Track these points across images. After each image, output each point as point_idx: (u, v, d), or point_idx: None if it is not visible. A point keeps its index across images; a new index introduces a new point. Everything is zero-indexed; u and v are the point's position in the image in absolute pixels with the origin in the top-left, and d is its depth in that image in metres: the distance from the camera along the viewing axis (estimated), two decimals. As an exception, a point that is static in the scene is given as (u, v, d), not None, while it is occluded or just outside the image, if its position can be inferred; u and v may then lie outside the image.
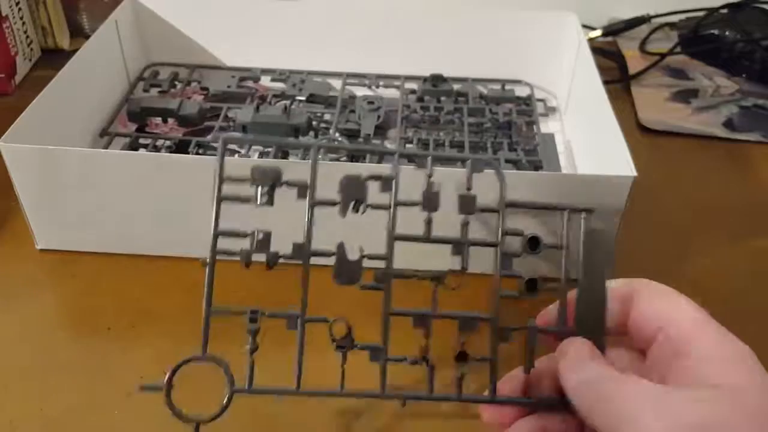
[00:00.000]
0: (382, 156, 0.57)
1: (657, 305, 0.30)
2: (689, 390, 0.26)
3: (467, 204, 0.35)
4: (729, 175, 0.59)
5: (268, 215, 0.34)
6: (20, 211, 0.47)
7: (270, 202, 0.34)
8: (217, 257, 0.33)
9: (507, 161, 0.55)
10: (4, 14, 0.66)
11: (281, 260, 0.33)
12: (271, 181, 0.33)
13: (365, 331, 0.33)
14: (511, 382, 0.33)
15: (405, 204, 0.34)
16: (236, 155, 0.56)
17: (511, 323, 0.33)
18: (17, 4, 0.69)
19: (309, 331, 0.33)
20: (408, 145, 0.58)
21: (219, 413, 0.32)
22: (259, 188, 0.34)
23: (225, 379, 0.32)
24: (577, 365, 0.30)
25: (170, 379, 0.31)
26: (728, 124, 0.65)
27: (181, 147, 0.57)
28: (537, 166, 0.56)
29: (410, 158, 0.49)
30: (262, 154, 0.56)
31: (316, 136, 0.58)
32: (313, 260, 0.33)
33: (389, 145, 0.59)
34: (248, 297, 0.35)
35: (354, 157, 0.56)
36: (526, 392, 0.33)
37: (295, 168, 0.34)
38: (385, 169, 0.35)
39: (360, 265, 0.33)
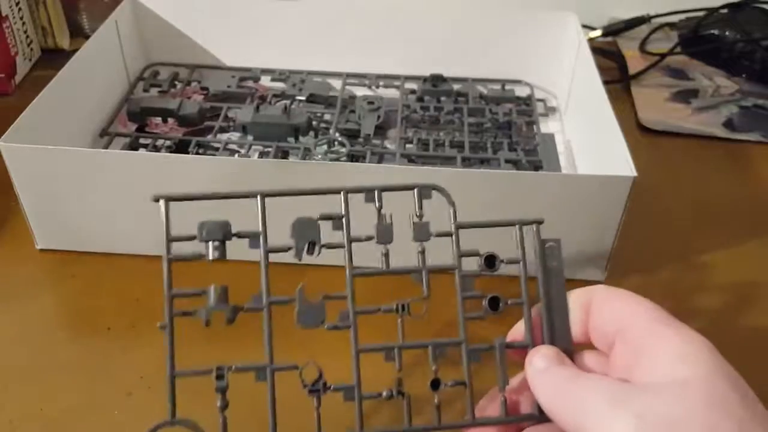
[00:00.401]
0: (382, 156, 0.57)
1: (613, 309, 0.30)
2: (643, 385, 0.27)
3: (421, 231, 0.34)
4: (729, 175, 0.60)
5: (223, 266, 0.33)
6: (20, 211, 0.47)
7: (222, 256, 0.33)
8: (176, 318, 0.32)
9: (507, 161, 0.55)
10: (4, 14, 0.66)
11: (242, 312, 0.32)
12: (221, 235, 0.33)
13: (338, 368, 0.32)
14: (492, 401, 0.33)
15: (359, 240, 0.34)
16: (236, 155, 0.56)
17: (482, 342, 0.33)
18: (17, 4, 0.69)
19: (279, 379, 0.32)
20: (408, 146, 0.58)
21: None
22: (210, 243, 0.33)
23: None
24: (543, 370, 0.30)
25: None
26: (728, 124, 0.65)
27: (181, 147, 0.57)
28: (537, 166, 0.56)
29: (410, 159, 0.49)
30: (262, 154, 0.56)
31: (316, 136, 0.58)
32: (276, 309, 0.32)
33: (389, 146, 0.59)
34: (213, 350, 0.34)
35: (354, 157, 0.56)
36: (508, 410, 0.33)
37: (247, 207, 0.33)
38: (335, 207, 0.34)
39: (322, 307, 0.33)
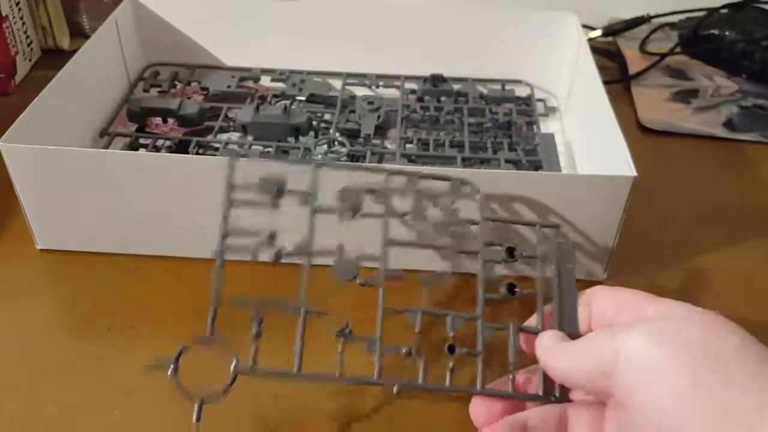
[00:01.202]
0: (382, 156, 0.57)
1: (612, 296, 0.34)
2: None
3: (451, 216, 0.40)
4: (729, 175, 0.59)
5: (274, 221, 0.37)
6: (20, 211, 0.47)
7: (275, 205, 0.37)
8: (227, 256, 0.36)
9: (507, 161, 0.55)
10: (4, 14, 0.66)
11: (285, 259, 0.36)
12: (277, 189, 0.38)
13: (361, 331, 0.36)
14: (500, 384, 0.36)
15: (396, 215, 0.38)
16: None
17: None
18: (17, 4, 0.69)
19: (309, 327, 0.35)
20: (408, 145, 0.58)
21: (224, 391, 0.33)
22: (266, 195, 0.37)
23: (230, 360, 0.33)
24: (551, 346, 0.34)
25: (178, 358, 0.33)
26: (728, 124, 0.65)
27: (181, 147, 0.57)
28: (537, 166, 0.56)
29: (410, 159, 0.52)
30: (262, 154, 0.56)
31: (316, 136, 0.58)
32: (314, 262, 0.36)
33: (389, 146, 0.59)
34: (253, 294, 0.36)
35: (354, 157, 0.56)
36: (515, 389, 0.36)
37: (297, 177, 0.38)
38: (380, 183, 0.40)
39: (357, 264, 0.37)
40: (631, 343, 0.29)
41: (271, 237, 0.36)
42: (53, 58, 0.69)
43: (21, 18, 0.70)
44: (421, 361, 0.35)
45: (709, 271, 0.49)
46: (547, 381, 0.35)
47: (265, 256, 0.37)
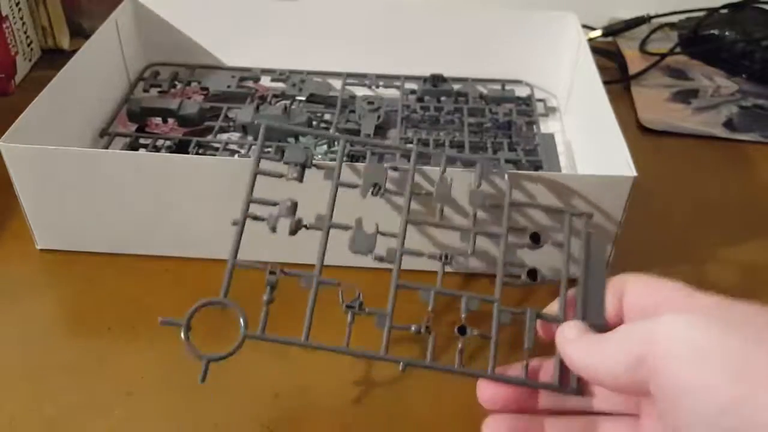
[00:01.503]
0: (382, 156, 0.57)
1: (650, 287, 0.33)
2: None
3: (476, 198, 0.38)
4: (729, 175, 0.59)
5: (294, 193, 0.37)
6: (20, 211, 0.47)
7: (300, 178, 0.37)
8: (247, 220, 0.36)
9: (507, 161, 0.55)
10: (4, 14, 0.66)
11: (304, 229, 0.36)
12: (303, 159, 0.37)
13: (374, 304, 0.36)
14: (513, 370, 0.35)
15: (419, 193, 0.37)
16: (236, 155, 0.56)
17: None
18: (17, 4, 0.69)
19: (320, 299, 0.35)
20: (408, 145, 0.58)
21: (230, 353, 0.33)
22: (291, 166, 0.37)
23: (239, 322, 0.34)
24: (575, 338, 0.32)
25: (190, 316, 0.33)
26: (728, 124, 0.65)
27: (181, 147, 0.57)
28: (537, 166, 0.56)
29: (409, 159, 0.50)
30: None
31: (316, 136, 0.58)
32: (332, 237, 0.36)
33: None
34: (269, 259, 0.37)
35: (354, 157, 0.56)
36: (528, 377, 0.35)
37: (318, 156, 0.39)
38: (402, 163, 0.40)
39: (374, 238, 0.36)
40: (672, 325, 0.27)
41: (293, 206, 0.36)
42: (53, 58, 0.69)
43: (21, 18, 0.70)
44: (430, 339, 0.35)
45: (709, 271, 0.49)
46: (563, 370, 0.34)
47: (284, 226, 0.36)
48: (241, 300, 0.34)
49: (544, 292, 0.37)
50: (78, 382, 0.40)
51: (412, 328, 0.35)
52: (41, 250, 0.49)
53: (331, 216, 0.36)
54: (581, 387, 0.34)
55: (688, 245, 0.51)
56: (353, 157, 0.56)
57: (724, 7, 0.76)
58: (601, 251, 0.37)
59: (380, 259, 0.36)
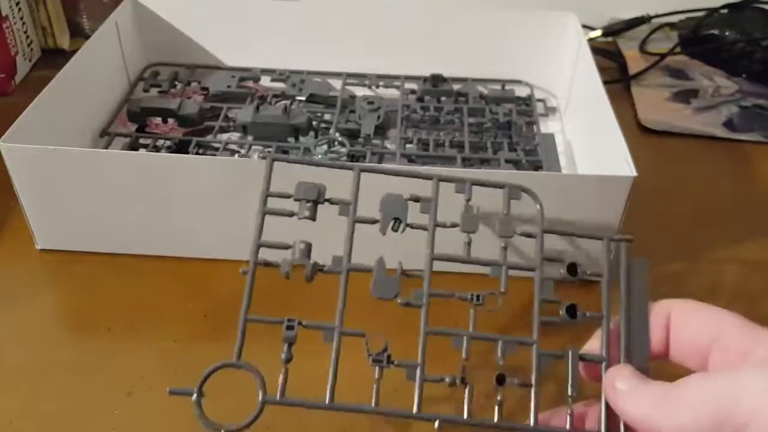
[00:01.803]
0: (382, 156, 0.57)
1: (702, 320, 0.30)
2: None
3: (506, 227, 0.35)
4: (729, 175, 0.59)
5: (308, 232, 0.34)
6: (20, 211, 0.47)
7: (313, 217, 0.34)
8: (258, 267, 0.33)
9: (507, 161, 0.55)
10: (4, 14, 0.66)
11: (321, 272, 0.33)
12: (315, 196, 0.34)
13: (400, 353, 0.33)
14: (554, 416, 0.32)
15: (444, 226, 0.34)
16: (236, 155, 0.56)
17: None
18: (17, 4, 0.69)
19: (344, 346, 0.32)
20: (408, 146, 0.58)
21: (249, 423, 0.30)
22: (302, 203, 0.34)
23: (257, 388, 0.31)
24: (632, 389, 0.29)
25: (201, 384, 0.31)
26: (728, 124, 0.65)
27: (181, 147, 0.57)
28: (537, 166, 0.56)
29: (410, 159, 0.48)
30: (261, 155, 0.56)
31: (316, 136, 0.58)
32: (353, 277, 0.33)
33: (389, 146, 0.59)
34: (284, 309, 0.34)
35: (354, 157, 0.56)
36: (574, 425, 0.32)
37: (332, 181, 0.35)
38: (425, 191, 0.35)
39: (398, 280, 0.33)
40: (756, 384, 0.25)
41: (307, 250, 0.33)
42: (53, 58, 0.69)
43: (21, 18, 0.70)
44: (466, 391, 0.32)
45: (709, 271, 0.49)
46: (610, 417, 0.31)
47: (299, 270, 0.33)
48: (255, 338, 0.31)
49: (592, 327, 0.34)
50: (78, 382, 0.40)
51: (446, 380, 0.33)
52: (41, 250, 0.49)
53: (350, 258, 0.33)
54: None
55: (688, 245, 0.51)
56: (353, 158, 0.56)
57: (724, 7, 0.76)
58: (644, 281, 0.33)
59: (406, 304, 0.33)
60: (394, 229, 0.35)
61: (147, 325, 0.44)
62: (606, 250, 0.35)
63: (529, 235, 0.35)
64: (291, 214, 0.34)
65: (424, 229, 0.34)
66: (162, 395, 0.38)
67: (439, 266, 0.34)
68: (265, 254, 0.33)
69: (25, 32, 0.71)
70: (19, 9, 0.69)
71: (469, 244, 0.34)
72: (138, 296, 0.46)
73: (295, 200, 0.34)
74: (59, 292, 0.47)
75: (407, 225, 0.34)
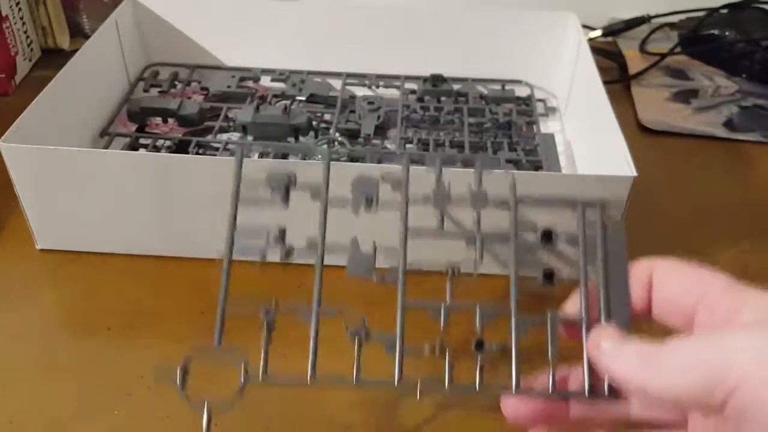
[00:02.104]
0: (381, 157, 0.57)
1: (686, 280, 0.30)
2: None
3: (479, 199, 0.35)
4: (729, 175, 0.59)
5: (283, 218, 0.34)
6: (20, 211, 0.47)
7: (285, 203, 0.35)
8: (234, 256, 0.34)
9: (507, 161, 0.55)
10: (4, 14, 0.66)
11: (296, 256, 0.34)
12: (286, 185, 0.35)
13: (380, 330, 0.33)
14: (539, 380, 0.32)
15: (416, 202, 0.35)
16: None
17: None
18: (17, 4, 0.69)
19: (322, 328, 0.33)
20: (408, 145, 0.58)
21: (233, 401, 0.31)
22: (274, 191, 0.35)
23: (239, 368, 0.32)
24: (615, 348, 0.29)
25: (185, 367, 0.31)
26: (728, 124, 0.65)
27: (181, 147, 0.57)
28: (537, 166, 0.56)
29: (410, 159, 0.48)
30: (261, 155, 0.56)
31: (316, 136, 0.58)
32: (328, 261, 0.33)
33: (389, 146, 0.59)
34: (260, 295, 0.34)
35: (354, 158, 0.56)
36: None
37: (304, 169, 0.35)
38: (395, 169, 0.36)
39: (373, 258, 0.34)
40: (750, 342, 0.25)
41: (281, 234, 0.34)
42: (53, 58, 0.69)
43: (21, 18, 0.70)
44: (446, 360, 0.33)
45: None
46: (593, 377, 0.31)
47: (275, 255, 0.34)
48: (238, 325, 0.31)
49: (559, 286, 0.34)
50: (78, 382, 0.40)
51: (426, 350, 0.33)
52: (41, 250, 0.49)
53: (323, 241, 0.34)
54: (616, 393, 0.31)
55: (688, 245, 0.51)
56: (353, 158, 0.56)
57: (724, 7, 0.76)
58: (620, 242, 0.34)
59: (382, 279, 0.33)
60: (366, 209, 0.35)
61: (147, 325, 0.44)
62: (580, 214, 0.35)
63: (502, 203, 0.35)
64: (264, 203, 0.35)
65: (397, 207, 0.35)
66: (162, 395, 0.38)
67: (415, 245, 0.34)
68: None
69: (25, 32, 0.71)
70: (19, 9, 0.69)
71: (442, 218, 0.35)
72: (138, 296, 0.46)
73: (267, 187, 0.35)
74: (59, 292, 0.47)
75: (379, 203, 0.35)
